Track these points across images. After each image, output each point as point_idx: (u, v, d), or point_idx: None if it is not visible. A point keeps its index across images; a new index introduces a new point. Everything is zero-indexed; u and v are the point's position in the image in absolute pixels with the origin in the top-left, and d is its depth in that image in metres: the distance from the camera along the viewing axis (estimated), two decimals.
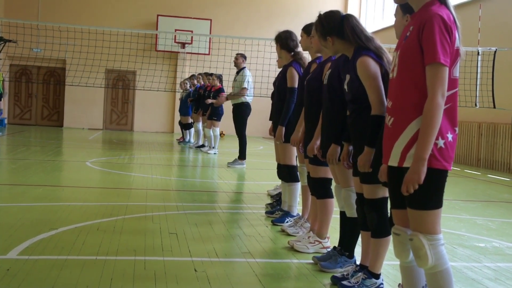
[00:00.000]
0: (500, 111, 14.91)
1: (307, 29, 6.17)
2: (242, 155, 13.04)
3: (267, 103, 8.95)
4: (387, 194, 4.34)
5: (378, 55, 4.54)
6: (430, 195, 3.45)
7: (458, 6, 18.23)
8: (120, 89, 26.39)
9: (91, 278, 4.47)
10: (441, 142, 3.40)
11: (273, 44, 7.38)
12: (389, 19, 24.52)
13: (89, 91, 22.90)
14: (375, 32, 24.80)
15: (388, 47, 14.04)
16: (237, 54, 13.58)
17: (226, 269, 5.04)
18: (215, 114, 15.61)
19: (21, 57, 21.18)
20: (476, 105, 14.65)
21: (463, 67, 15.29)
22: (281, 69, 7.33)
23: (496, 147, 15.90)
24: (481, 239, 6.79)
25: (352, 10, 27.20)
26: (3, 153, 14.39)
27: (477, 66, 14.69)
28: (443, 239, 3.43)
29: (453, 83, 3.44)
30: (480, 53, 14.69)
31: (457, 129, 3.52)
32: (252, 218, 7.33)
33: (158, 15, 24.81)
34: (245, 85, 12.93)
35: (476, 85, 14.67)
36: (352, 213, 4.95)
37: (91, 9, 25.03)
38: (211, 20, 25.24)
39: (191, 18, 25.06)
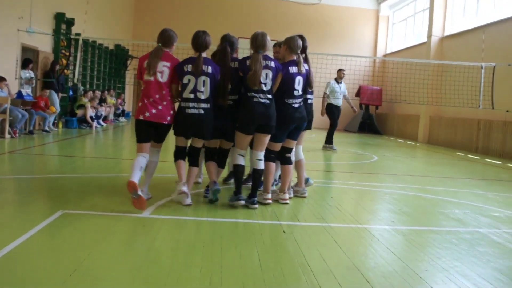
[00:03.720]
0: (494, 111, 14.28)
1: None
2: None
3: None
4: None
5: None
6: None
7: (466, 32, 17.66)
8: None
9: (206, 236, 4.18)
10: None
11: None
12: (411, 40, 23.70)
13: None
14: (400, 51, 24.21)
15: (411, 61, 13.63)
16: None
17: (308, 231, 4.68)
18: None
19: None
20: (479, 106, 13.95)
21: (470, 78, 14.71)
22: None
23: (491, 138, 15.36)
24: (495, 210, 6.22)
25: (382, 32, 26.69)
26: (128, 137, 14.39)
27: (481, 77, 13.98)
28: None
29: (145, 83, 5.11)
30: (483, 68, 13.95)
31: (146, 100, 5.02)
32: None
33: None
34: None
35: (480, 91, 13.97)
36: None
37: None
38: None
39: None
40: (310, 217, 5.16)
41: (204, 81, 5.06)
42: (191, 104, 5.06)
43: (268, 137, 5.39)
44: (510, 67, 14.03)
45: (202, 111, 5.06)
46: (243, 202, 5.27)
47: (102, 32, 19.54)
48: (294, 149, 5.96)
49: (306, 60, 5.87)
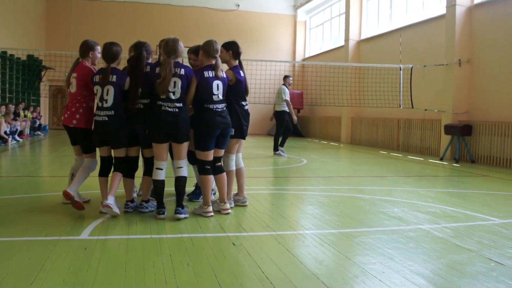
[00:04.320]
0: (413, 110, 14.87)
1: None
2: None
3: None
4: None
5: None
6: None
7: (383, 35, 18.19)
8: None
9: (154, 255, 3.94)
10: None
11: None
12: (328, 44, 24.27)
13: None
14: (318, 55, 24.64)
15: (329, 64, 13.91)
16: None
17: (257, 241, 4.56)
18: None
19: (57, 79, 20.28)
20: (400, 106, 14.49)
21: (389, 79, 15.20)
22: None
23: (411, 135, 15.95)
24: (430, 206, 6.42)
25: (299, 37, 27.17)
26: (49, 152, 13.64)
27: (400, 79, 14.52)
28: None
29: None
30: (401, 69, 14.50)
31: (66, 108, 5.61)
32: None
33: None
34: None
35: (400, 92, 14.51)
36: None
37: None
38: None
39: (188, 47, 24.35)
40: (256, 226, 5.05)
41: (108, 89, 5.23)
42: (98, 112, 5.29)
43: (183, 145, 5.24)
44: (426, 68, 14.70)
45: (106, 118, 5.23)
46: (163, 216, 5.20)
47: (13, 42, 18.47)
48: (234, 158, 5.83)
49: (241, 66, 5.79)
